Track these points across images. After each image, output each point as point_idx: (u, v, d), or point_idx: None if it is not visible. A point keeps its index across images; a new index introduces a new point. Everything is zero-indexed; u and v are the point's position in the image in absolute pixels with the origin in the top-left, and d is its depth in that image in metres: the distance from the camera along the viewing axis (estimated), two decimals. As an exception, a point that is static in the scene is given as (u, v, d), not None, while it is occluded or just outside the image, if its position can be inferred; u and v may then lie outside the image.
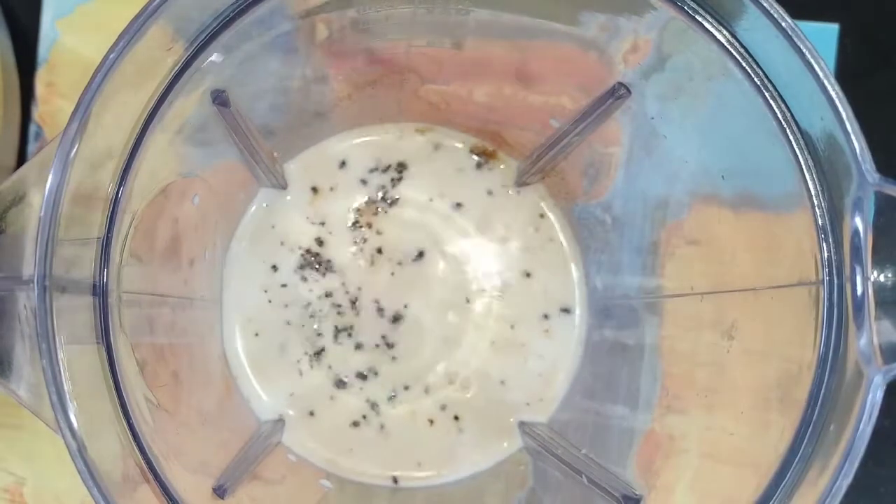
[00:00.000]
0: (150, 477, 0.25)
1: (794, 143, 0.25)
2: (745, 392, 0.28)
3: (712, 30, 0.25)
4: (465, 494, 0.36)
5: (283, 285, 0.36)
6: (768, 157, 0.26)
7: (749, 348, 0.29)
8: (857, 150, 0.23)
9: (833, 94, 0.23)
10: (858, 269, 0.23)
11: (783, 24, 0.23)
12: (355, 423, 0.36)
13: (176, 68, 0.25)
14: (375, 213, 0.36)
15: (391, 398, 0.36)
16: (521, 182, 0.36)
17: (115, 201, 0.25)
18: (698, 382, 0.31)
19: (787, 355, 0.26)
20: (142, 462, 0.25)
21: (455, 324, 0.36)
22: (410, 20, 0.30)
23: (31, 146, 0.39)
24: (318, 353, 0.36)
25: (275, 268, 0.36)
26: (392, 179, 0.36)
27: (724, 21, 0.25)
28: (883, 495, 0.38)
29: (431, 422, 0.36)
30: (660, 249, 0.33)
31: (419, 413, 0.36)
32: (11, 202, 0.24)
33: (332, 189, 0.36)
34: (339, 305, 0.36)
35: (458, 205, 0.36)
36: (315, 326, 0.36)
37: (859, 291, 0.23)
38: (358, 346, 0.36)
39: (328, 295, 0.36)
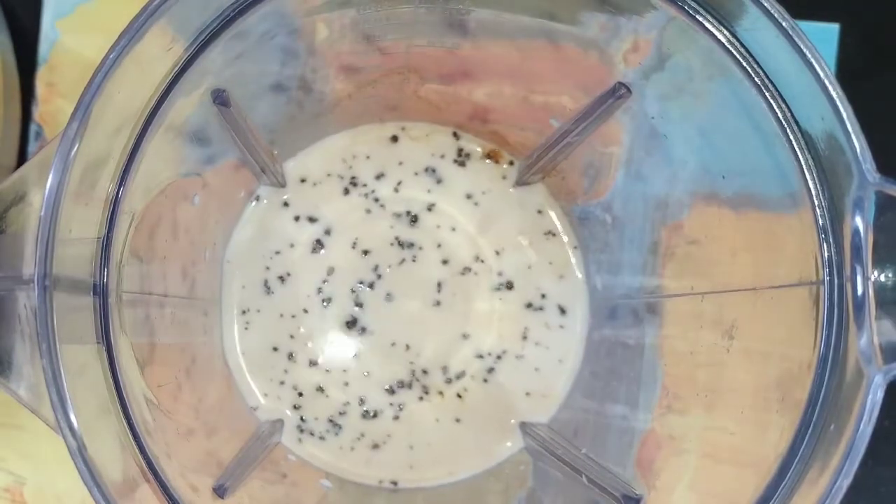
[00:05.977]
0: (150, 477, 0.25)
1: (794, 143, 0.25)
2: (745, 392, 0.28)
3: (713, 30, 0.25)
4: (465, 494, 0.36)
5: (280, 281, 0.36)
6: (768, 157, 0.26)
7: (749, 348, 0.29)
8: (858, 150, 0.23)
9: (833, 94, 0.23)
10: (859, 269, 0.23)
11: (783, 23, 0.23)
12: (354, 424, 0.36)
13: (176, 68, 0.25)
14: (374, 212, 0.36)
15: (392, 399, 0.36)
16: (521, 182, 0.36)
17: (115, 201, 0.25)
18: (698, 382, 0.31)
19: (787, 355, 0.26)
20: (142, 462, 0.25)
21: (455, 325, 0.36)
22: (410, 20, 0.30)
23: (31, 146, 0.39)
24: (317, 354, 0.36)
25: (272, 267, 0.36)
26: (392, 179, 0.36)
27: (724, 21, 0.25)
28: (883, 495, 0.38)
29: (433, 422, 0.36)
30: (660, 249, 0.33)
31: (420, 414, 0.36)
32: (11, 202, 0.24)
33: (331, 188, 0.36)
34: (337, 305, 0.36)
35: (458, 204, 0.36)
36: (313, 326, 0.36)
37: (860, 291, 0.23)
38: (357, 347, 0.36)
39: (327, 294, 0.36)
